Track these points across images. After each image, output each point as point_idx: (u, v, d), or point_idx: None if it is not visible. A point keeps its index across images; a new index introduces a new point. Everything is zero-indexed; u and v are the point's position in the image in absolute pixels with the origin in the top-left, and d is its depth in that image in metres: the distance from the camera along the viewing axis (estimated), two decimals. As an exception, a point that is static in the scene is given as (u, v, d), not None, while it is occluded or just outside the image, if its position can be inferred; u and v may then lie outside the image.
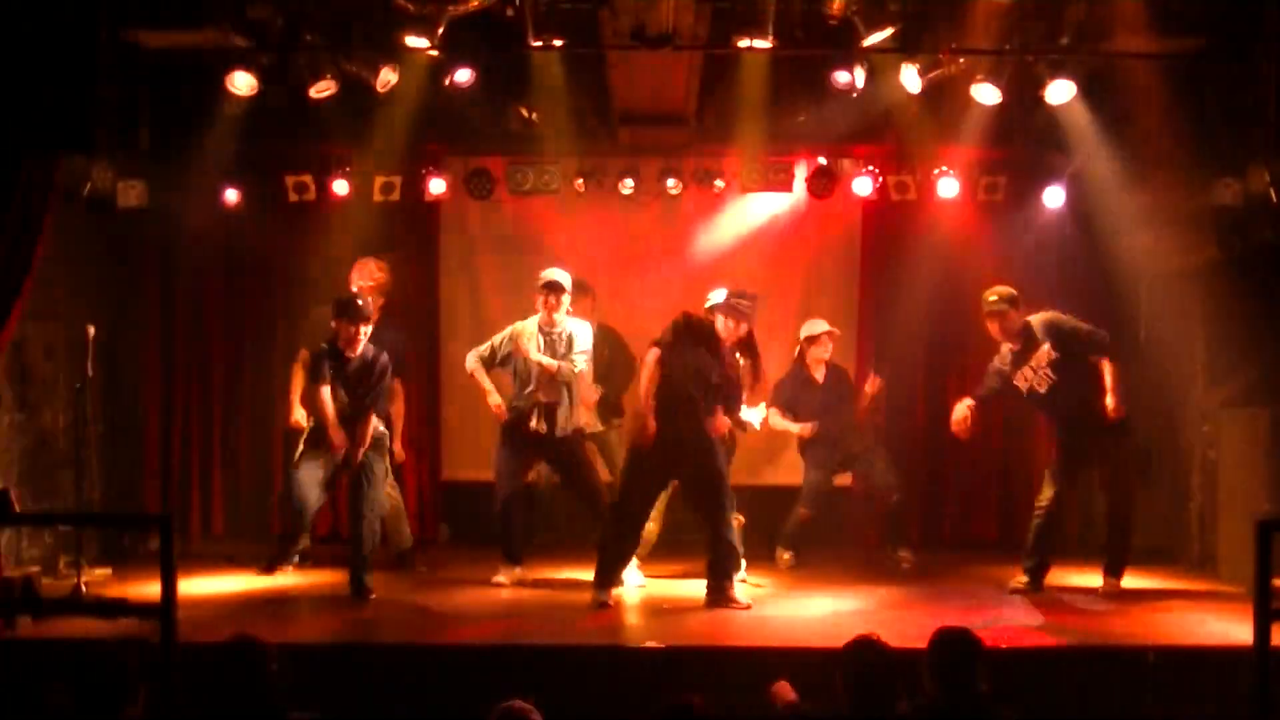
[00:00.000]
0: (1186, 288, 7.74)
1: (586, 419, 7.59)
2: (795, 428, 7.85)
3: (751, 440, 7.62)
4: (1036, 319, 6.96)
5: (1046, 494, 6.99)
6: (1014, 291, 6.97)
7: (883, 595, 6.83)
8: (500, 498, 7.22)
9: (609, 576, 6.63)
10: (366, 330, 6.85)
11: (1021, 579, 6.97)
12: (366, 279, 7.49)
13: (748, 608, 6.49)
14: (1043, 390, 6.90)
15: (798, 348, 7.94)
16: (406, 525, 7.71)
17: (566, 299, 7.13)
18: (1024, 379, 6.93)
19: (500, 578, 7.15)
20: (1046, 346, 6.86)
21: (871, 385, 8.11)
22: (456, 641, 5.95)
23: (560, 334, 7.16)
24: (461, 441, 8.69)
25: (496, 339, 7.29)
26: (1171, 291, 7.79)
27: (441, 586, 7.06)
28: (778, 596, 6.86)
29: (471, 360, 7.29)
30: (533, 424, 7.11)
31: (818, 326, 7.87)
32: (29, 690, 3.37)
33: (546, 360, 7.05)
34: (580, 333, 7.21)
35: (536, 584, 7.13)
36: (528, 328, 7.19)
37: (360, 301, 6.91)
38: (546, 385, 7.12)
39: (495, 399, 7.22)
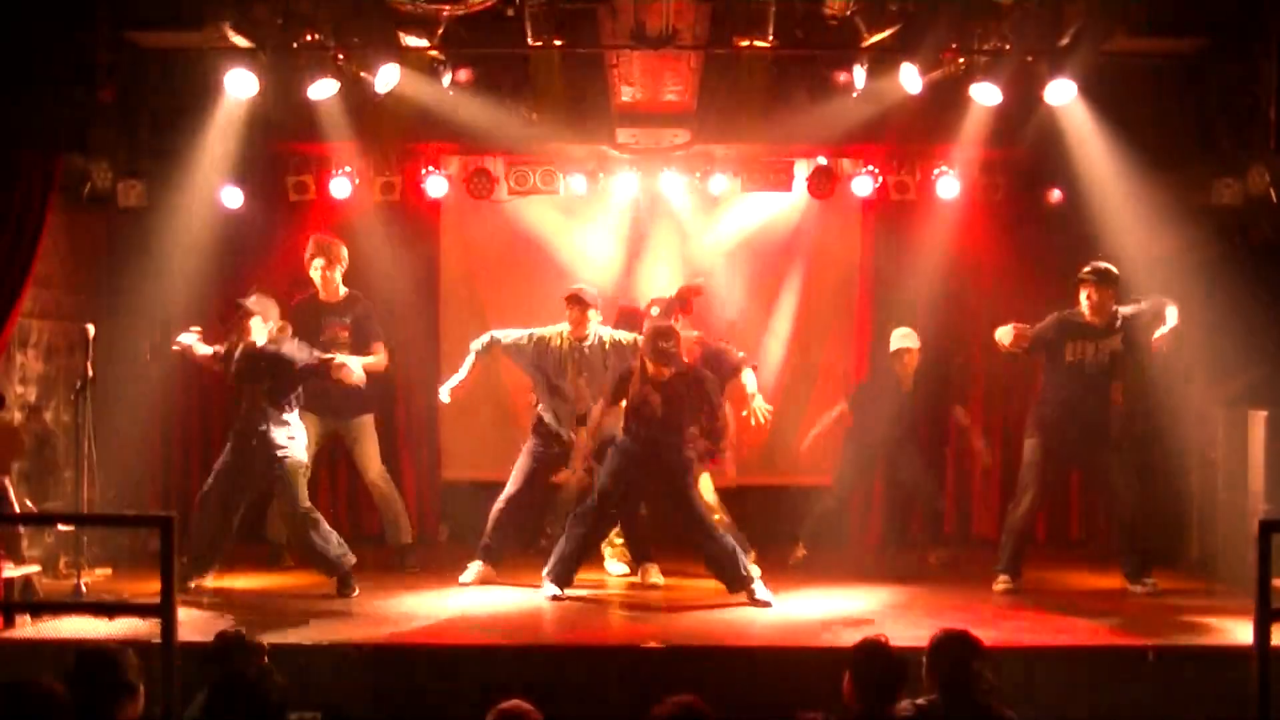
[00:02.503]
0: (1186, 287, 7.72)
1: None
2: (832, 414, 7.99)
3: (750, 440, 7.61)
4: (1128, 310, 7.05)
5: (1025, 499, 7.03)
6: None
7: (883, 595, 6.82)
8: (507, 495, 7.19)
9: (567, 570, 6.71)
10: (258, 323, 6.74)
11: (1004, 580, 6.99)
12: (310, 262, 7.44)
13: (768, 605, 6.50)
14: (1092, 372, 6.97)
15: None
16: (405, 520, 7.66)
17: (593, 313, 7.18)
18: (1077, 351, 6.98)
19: (466, 576, 7.10)
20: (1118, 339, 6.95)
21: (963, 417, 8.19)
22: (456, 642, 5.93)
23: (595, 343, 7.18)
24: (461, 442, 8.68)
25: (523, 336, 7.25)
26: (1171, 291, 7.77)
27: (440, 587, 7.04)
28: (778, 596, 6.85)
29: (483, 341, 7.27)
30: (567, 435, 7.17)
31: (898, 341, 7.87)
32: (29, 690, 3.36)
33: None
34: (620, 335, 7.23)
35: (535, 585, 7.11)
36: (553, 341, 7.19)
37: (241, 299, 6.82)
38: (584, 397, 7.15)
39: (452, 384, 7.19)
